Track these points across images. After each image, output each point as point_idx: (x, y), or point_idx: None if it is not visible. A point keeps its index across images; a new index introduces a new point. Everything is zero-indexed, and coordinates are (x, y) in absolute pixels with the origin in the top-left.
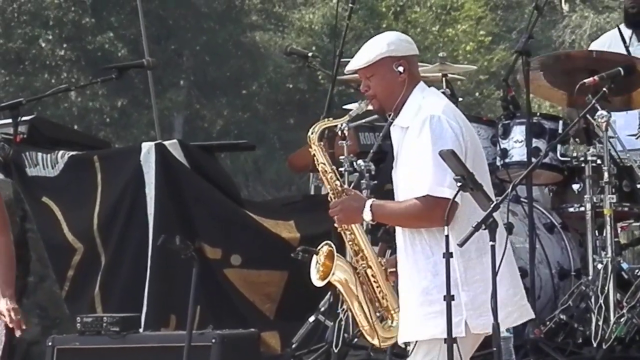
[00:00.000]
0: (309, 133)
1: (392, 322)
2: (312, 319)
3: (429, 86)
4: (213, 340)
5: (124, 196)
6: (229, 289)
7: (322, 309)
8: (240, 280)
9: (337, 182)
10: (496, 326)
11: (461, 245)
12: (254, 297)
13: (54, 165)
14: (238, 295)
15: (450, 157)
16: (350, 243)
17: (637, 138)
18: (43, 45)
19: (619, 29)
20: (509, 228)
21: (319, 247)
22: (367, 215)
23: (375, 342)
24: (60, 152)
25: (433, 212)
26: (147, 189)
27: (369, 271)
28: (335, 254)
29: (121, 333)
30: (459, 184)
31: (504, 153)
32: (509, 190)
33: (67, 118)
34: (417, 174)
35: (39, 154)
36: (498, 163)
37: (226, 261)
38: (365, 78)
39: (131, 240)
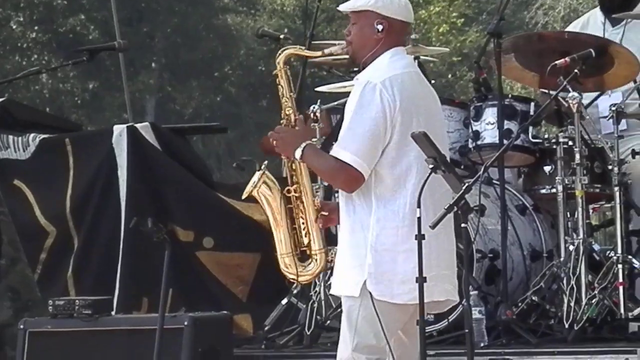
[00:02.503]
0: (278, 54)
1: (310, 263)
2: (284, 301)
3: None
4: (185, 323)
5: (96, 179)
6: (201, 271)
7: (295, 292)
8: (212, 262)
9: (290, 110)
10: (468, 308)
11: (432, 227)
12: (227, 280)
13: (25, 148)
14: (210, 277)
15: (421, 139)
16: (291, 172)
17: (608, 119)
18: (14, 27)
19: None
20: (481, 210)
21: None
22: (297, 154)
23: (292, 275)
24: (32, 135)
25: (337, 175)
26: (120, 172)
27: (300, 205)
28: (266, 175)
29: (93, 316)
30: (431, 166)
31: (476, 135)
32: (481, 172)
33: (38, 100)
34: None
35: (10, 137)
36: (470, 145)
37: (198, 244)
38: (351, 23)
39: (104, 223)
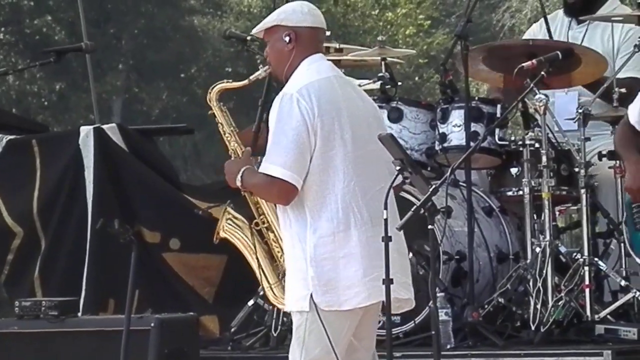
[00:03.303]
0: (209, 92)
1: None
2: (251, 302)
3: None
4: (152, 324)
5: (63, 180)
6: (167, 273)
7: (262, 293)
8: (179, 264)
9: (235, 144)
10: (435, 309)
11: (399, 229)
12: (193, 281)
13: None
14: (177, 279)
15: (388, 141)
16: (255, 205)
17: (575, 121)
18: None
19: (545, 19)
20: (448, 212)
21: (222, 207)
22: (238, 182)
23: (275, 302)
24: None
25: (269, 191)
26: (86, 173)
27: (270, 234)
28: (228, 212)
29: (60, 317)
30: (397, 167)
31: (443, 137)
32: (448, 174)
33: (4, 101)
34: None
35: None
36: (437, 147)
37: (165, 245)
38: (266, 44)
39: (71, 224)
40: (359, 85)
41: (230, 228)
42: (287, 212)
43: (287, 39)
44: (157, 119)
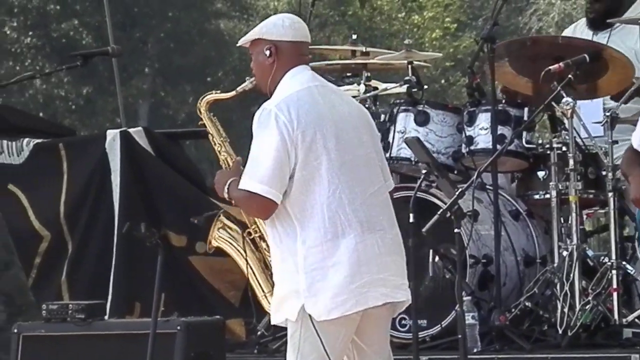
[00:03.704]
0: (198, 104)
1: None
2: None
3: (399, 73)
4: (178, 328)
5: (89, 184)
6: (194, 276)
7: None
8: (205, 267)
9: (226, 154)
10: (461, 313)
11: (425, 231)
12: (219, 285)
13: (19, 152)
14: (203, 282)
15: (414, 144)
16: (246, 215)
17: (602, 125)
18: (8, 32)
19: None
20: (474, 215)
21: (216, 216)
22: (225, 193)
23: (269, 310)
24: (26, 140)
25: (249, 206)
26: (113, 177)
27: (263, 243)
28: (220, 220)
29: (86, 320)
30: (423, 171)
31: (470, 140)
32: (474, 177)
33: (32, 105)
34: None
35: (4, 142)
36: (463, 150)
37: (191, 249)
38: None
39: (97, 227)
40: (385, 89)
41: (223, 237)
42: (276, 227)
43: (267, 52)
44: (183, 122)
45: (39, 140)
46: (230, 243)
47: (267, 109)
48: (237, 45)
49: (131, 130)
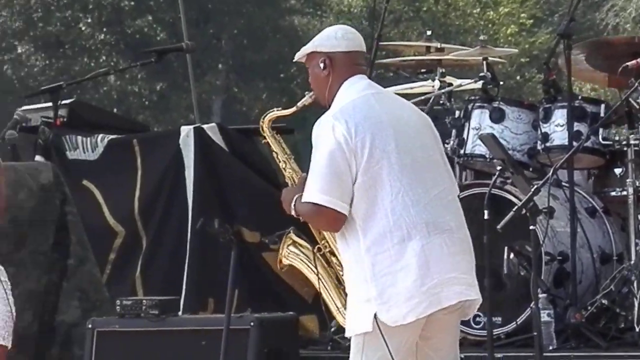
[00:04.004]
0: (260, 122)
1: None
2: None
3: (471, 69)
4: (251, 324)
5: (163, 180)
6: (267, 272)
7: None
8: (278, 263)
9: (291, 171)
10: (537, 311)
11: (500, 228)
12: (293, 281)
13: (94, 148)
14: (276, 278)
15: (489, 141)
16: (315, 230)
17: None
18: (83, 28)
19: None
20: (550, 212)
21: (285, 234)
22: (292, 210)
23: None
24: (100, 136)
25: (316, 219)
26: (187, 173)
27: (333, 259)
28: (290, 238)
29: (160, 316)
30: (499, 167)
31: (545, 137)
32: (550, 174)
33: (106, 101)
34: None
35: (79, 138)
36: (539, 147)
37: (264, 245)
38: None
39: (171, 223)
40: (460, 86)
41: (293, 254)
42: (345, 236)
43: (322, 65)
44: (256, 118)
45: (114, 136)
46: (302, 260)
47: (324, 120)
48: (293, 60)
49: (205, 126)
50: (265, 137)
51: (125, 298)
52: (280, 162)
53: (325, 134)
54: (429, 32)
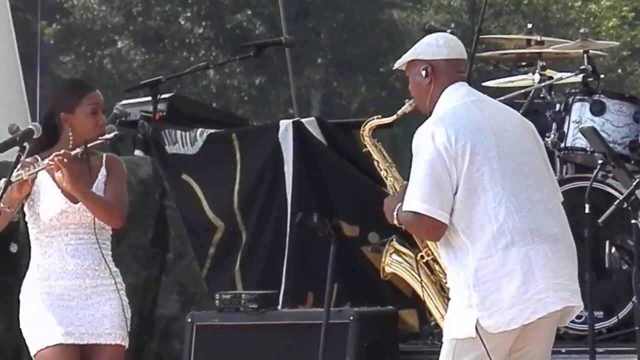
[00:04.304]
0: (361, 131)
1: None
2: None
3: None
4: (351, 318)
5: (263, 174)
6: (366, 266)
7: None
8: (377, 257)
9: (392, 179)
10: (638, 305)
11: (601, 222)
12: (392, 275)
13: (193, 143)
14: (375, 273)
15: (590, 134)
16: (418, 238)
17: None
18: (182, 23)
19: None
20: None
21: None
22: (395, 220)
23: None
24: (199, 130)
25: (417, 228)
26: (285, 167)
27: (437, 266)
28: (392, 246)
29: (259, 310)
30: (600, 161)
31: None
32: None
33: (205, 96)
34: None
35: (178, 132)
36: None
37: (363, 239)
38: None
39: (270, 218)
40: (560, 79)
41: (396, 262)
42: (446, 245)
43: (424, 72)
44: (355, 112)
45: (213, 131)
46: (404, 268)
47: (424, 129)
48: (394, 68)
49: (304, 120)
50: (366, 146)
51: (224, 292)
52: (381, 170)
53: (425, 142)
54: (529, 25)
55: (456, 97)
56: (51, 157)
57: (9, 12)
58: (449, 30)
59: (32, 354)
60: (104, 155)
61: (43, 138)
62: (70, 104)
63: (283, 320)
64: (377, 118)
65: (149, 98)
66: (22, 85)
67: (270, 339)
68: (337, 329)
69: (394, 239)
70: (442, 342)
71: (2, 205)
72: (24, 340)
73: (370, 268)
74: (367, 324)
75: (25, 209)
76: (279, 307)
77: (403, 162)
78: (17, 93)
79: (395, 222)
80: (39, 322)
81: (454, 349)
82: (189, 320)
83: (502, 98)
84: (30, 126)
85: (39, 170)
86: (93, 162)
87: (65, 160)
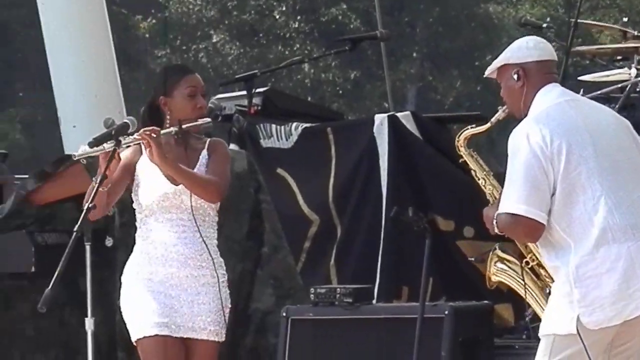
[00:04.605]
0: (456, 141)
1: None
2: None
3: None
4: (446, 312)
5: (358, 168)
6: (461, 260)
7: None
8: (473, 252)
9: (491, 188)
10: None
11: None
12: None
13: (288, 137)
14: (470, 267)
15: None
16: (521, 244)
17: None
18: (277, 17)
19: None
20: None
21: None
22: (496, 229)
23: None
24: (294, 124)
25: (514, 230)
26: (381, 161)
27: (542, 271)
28: (495, 254)
29: (354, 304)
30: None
31: None
32: None
33: (300, 90)
34: None
35: (273, 126)
36: None
37: (459, 233)
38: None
39: (365, 212)
40: None
41: (501, 270)
42: (547, 246)
43: (515, 76)
44: (450, 107)
45: (308, 125)
46: (510, 275)
47: (518, 130)
48: (484, 76)
49: (399, 114)
50: (462, 156)
51: (319, 286)
52: (479, 179)
53: (520, 143)
54: (625, 19)
55: (550, 98)
56: (140, 132)
57: (105, 7)
58: (544, 25)
59: (132, 340)
60: (209, 139)
61: (148, 124)
62: (169, 88)
63: (378, 314)
64: (471, 127)
65: (244, 92)
66: (118, 79)
67: (364, 333)
68: (432, 324)
69: (497, 247)
70: (537, 338)
71: (94, 183)
72: (118, 334)
73: (466, 262)
74: (463, 319)
75: (133, 195)
76: (374, 301)
77: (497, 155)
78: (113, 87)
79: (496, 230)
80: (139, 309)
81: (552, 344)
82: (284, 314)
83: (598, 92)
84: (125, 120)
85: (127, 144)
86: (195, 145)
87: (153, 134)
